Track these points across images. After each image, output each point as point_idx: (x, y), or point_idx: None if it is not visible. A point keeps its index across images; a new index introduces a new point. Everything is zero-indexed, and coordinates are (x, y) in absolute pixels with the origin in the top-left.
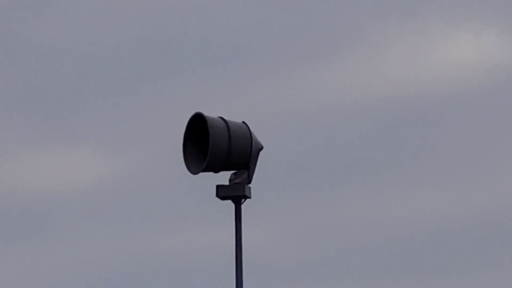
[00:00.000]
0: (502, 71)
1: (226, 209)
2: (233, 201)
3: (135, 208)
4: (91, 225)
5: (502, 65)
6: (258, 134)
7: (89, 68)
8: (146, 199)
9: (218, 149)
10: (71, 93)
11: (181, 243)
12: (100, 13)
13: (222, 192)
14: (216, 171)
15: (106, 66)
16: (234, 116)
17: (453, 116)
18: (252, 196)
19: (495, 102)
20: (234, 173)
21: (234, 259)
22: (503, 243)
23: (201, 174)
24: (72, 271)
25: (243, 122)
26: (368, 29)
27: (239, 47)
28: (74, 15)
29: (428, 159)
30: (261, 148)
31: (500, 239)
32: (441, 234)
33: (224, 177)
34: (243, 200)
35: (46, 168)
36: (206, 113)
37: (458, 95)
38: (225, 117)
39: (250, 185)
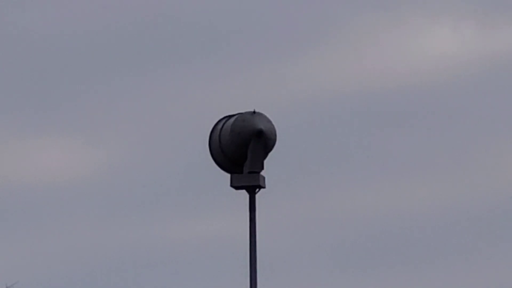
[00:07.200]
0: (479, 63)
1: (240, 199)
2: (247, 191)
3: (147, 198)
4: (94, 216)
5: (479, 57)
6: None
7: (74, 58)
8: (162, 188)
9: (216, 151)
10: (57, 84)
11: (195, 232)
12: (86, 2)
13: (236, 182)
14: (237, 166)
15: (93, 56)
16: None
17: (431, 107)
18: (267, 186)
19: (472, 93)
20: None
21: (248, 248)
22: (491, 233)
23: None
24: (72, 261)
25: (253, 111)
26: (346, 21)
27: (227, 39)
28: (59, 3)
29: (407, 150)
30: (257, 133)
31: (488, 229)
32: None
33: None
34: (257, 190)
35: (35, 159)
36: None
37: (436, 87)
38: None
39: (264, 175)
